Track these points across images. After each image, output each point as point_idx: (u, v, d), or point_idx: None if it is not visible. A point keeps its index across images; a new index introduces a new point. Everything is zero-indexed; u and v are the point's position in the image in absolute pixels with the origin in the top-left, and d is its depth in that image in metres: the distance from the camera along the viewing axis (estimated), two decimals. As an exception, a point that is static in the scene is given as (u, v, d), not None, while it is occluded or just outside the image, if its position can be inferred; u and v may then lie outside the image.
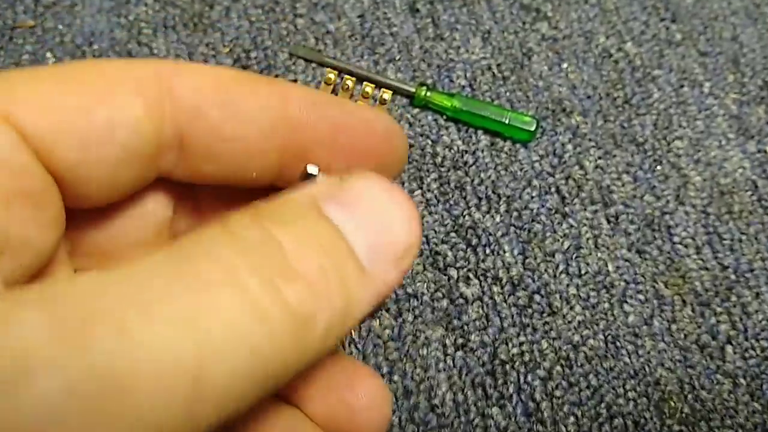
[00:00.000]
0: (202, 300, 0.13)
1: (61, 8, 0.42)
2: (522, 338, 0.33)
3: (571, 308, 0.34)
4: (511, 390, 0.32)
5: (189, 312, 0.13)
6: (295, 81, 0.40)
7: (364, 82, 0.31)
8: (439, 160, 0.38)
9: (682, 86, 0.43)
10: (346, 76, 0.26)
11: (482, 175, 0.38)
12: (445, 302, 0.34)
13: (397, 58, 0.42)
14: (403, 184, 0.37)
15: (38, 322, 0.12)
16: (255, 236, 0.14)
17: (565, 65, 0.43)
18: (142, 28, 0.42)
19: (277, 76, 0.40)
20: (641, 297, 0.35)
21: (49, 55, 0.40)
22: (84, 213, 0.20)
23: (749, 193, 0.39)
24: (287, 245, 0.15)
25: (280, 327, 0.14)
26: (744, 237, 0.38)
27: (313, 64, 0.41)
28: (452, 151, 0.39)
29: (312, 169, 0.25)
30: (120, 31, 0.41)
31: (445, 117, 0.40)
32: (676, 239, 0.37)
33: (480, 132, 0.39)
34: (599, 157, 0.39)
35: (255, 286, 0.14)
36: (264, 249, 0.14)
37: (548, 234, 0.36)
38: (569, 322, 0.34)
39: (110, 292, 0.13)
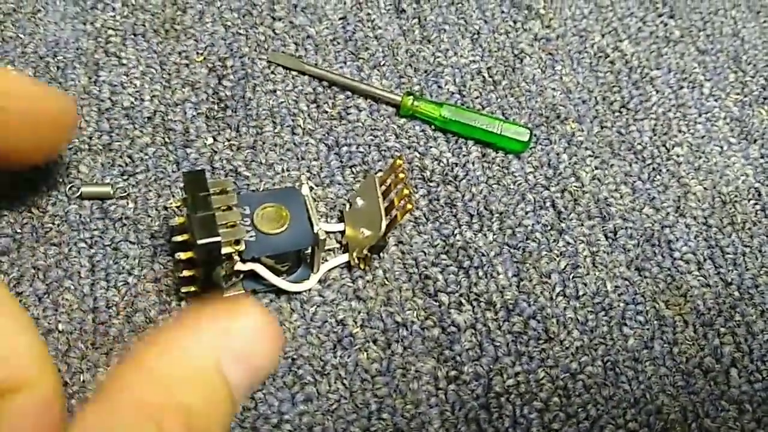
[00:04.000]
0: None
1: (22, 15, 0.39)
2: (518, 368, 0.31)
3: (569, 333, 0.32)
4: (506, 424, 0.30)
5: None
6: (275, 91, 0.38)
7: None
8: (427, 174, 0.36)
9: (681, 87, 0.41)
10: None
11: (473, 189, 0.36)
12: (436, 331, 0.32)
13: (382, 63, 0.40)
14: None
15: None
16: None
17: (558, 67, 0.41)
18: (110, 36, 0.39)
19: (255, 86, 0.38)
20: (641, 318, 0.33)
21: (10, 68, 0.37)
22: None
23: (752, 202, 0.37)
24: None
25: None
26: (747, 250, 0.36)
27: (293, 72, 0.39)
28: (441, 164, 0.37)
29: None
30: (86, 40, 0.39)
31: (433, 127, 0.38)
32: (676, 255, 0.35)
33: (470, 143, 0.37)
34: (596, 167, 0.37)
35: None
36: None
37: (544, 253, 0.34)
38: (566, 348, 0.32)
39: None
